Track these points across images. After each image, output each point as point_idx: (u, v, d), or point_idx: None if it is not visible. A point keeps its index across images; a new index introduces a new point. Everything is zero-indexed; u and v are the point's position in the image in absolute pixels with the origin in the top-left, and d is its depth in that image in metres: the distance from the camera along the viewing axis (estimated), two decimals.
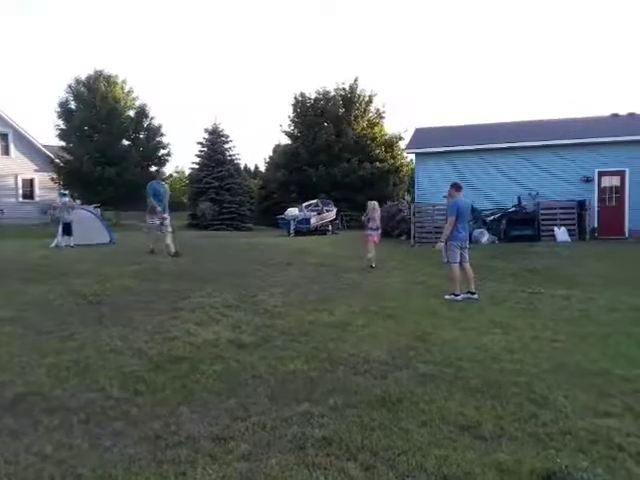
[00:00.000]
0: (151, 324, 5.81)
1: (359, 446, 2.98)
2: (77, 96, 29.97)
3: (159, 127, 32.50)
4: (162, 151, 32.77)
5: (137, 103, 32.16)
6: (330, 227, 24.64)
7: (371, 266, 10.43)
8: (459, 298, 7.50)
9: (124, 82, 31.71)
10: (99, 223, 15.32)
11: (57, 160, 29.24)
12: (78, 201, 23.16)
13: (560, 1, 74.81)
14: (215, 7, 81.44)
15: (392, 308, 6.78)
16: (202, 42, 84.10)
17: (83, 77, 30.58)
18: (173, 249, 11.14)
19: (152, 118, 32.44)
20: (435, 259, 9.53)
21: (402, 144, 32.37)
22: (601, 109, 22.37)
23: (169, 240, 11.31)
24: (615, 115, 20.49)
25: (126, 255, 11.54)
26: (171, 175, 49.72)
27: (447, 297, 7.56)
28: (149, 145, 31.94)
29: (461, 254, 7.76)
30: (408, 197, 29.06)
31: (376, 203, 11.23)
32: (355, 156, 31.17)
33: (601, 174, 17.38)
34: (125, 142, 31.35)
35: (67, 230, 13.75)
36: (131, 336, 5.33)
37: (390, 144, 33.94)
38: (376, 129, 33.87)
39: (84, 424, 3.35)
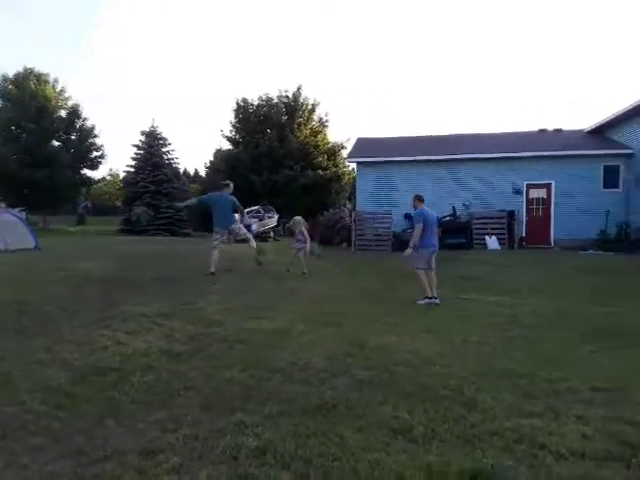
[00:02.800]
0: (78, 334, 5.52)
1: (293, 455, 2.95)
2: (4, 94, 28.29)
3: (92, 128, 31.32)
4: (95, 153, 31.55)
5: (69, 103, 30.82)
6: (272, 234, 24.52)
7: (287, 270, 10.83)
8: (426, 302, 7.77)
9: (56, 81, 30.35)
10: (24, 227, 14.47)
11: None
12: (2, 204, 21.80)
13: (493, 16, 78.83)
14: (157, 8, 79.49)
15: (332, 315, 6.81)
16: (141, 42, 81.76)
17: (11, 74, 28.96)
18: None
19: (85, 119, 31.26)
20: (377, 266, 9.69)
21: (344, 153, 32.86)
22: (529, 125, 24.06)
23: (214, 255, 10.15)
24: (543, 131, 21.85)
25: (52, 261, 10.94)
26: (104, 178, 47.95)
27: (420, 302, 7.82)
28: (81, 146, 30.63)
29: (428, 261, 8.07)
30: (349, 205, 29.48)
31: (301, 218, 11.32)
32: (298, 163, 31.29)
33: (529, 186, 18.42)
34: (55, 143, 29.91)
35: None
36: (56, 347, 5.04)
37: (332, 152, 34.37)
38: (319, 137, 34.22)
39: (1, 440, 3.14)
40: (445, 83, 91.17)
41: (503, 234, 17.34)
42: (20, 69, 29.41)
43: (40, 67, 32.57)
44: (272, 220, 25.61)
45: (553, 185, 18.17)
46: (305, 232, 11.15)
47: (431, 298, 7.85)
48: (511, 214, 17.73)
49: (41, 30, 77.84)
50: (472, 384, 4.14)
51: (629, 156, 17.54)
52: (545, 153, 18.39)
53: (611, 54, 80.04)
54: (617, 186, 17.78)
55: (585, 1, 75.20)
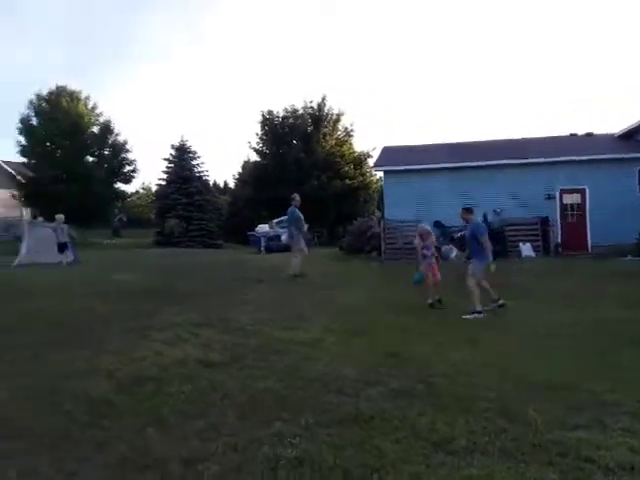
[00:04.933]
0: (117, 345, 5.65)
1: (331, 465, 2.94)
2: (39, 112, 29.36)
3: (124, 143, 32.15)
4: (128, 167, 32.36)
5: (101, 119, 31.74)
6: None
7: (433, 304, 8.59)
8: (475, 316, 7.45)
9: (87, 98, 31.30)
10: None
11: (19, 177, 28.47)
12: (41, 218, 22.54)
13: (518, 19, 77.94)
14: (184, 23, 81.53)
15: (364, 324, 6.78)
16: (169, 56, 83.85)
17: (45, 92, 30.04)
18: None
19: (117, 134, 32.07)
20: (406, 276, 9.60)
21: (370, 162, 32.87)
22: (558, 129, 23.61)
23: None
24: (573, 135, 21.38)
25: (90, 274, 11.24)
26: (137, 192, 49.13)
27: (467, 316, 7.43)
28: (114, 161, 31.46)
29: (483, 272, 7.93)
30: (378, 213, 29.41)
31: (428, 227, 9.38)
32: (324, 173, 31.41)
33: (563, 192, 17.99)
34: (89, 158, 30.81)
35: (61, 248, 14.17)
36: (97, 358, 5.17)
37: (359, 162, 34.40)
38: (345, 147, 34.31)
39: (49, 449, 3.22)
40: (467, 87, 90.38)
41: (538, 241, 16.97)
42: (53, 87, 30.51)
43: (72, 85, 33.45)
44: None
45: (587, 190, 17.71)
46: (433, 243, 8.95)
47: (480, 312, 7.53)
48: (545, 220, 17.34)
49: (72, 49, 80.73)
50: (513, 396, 4.05)
51: None
52: (578, 158, 17.94)
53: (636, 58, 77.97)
54: None
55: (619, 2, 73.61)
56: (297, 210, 11.87)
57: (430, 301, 8.16)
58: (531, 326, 6.86)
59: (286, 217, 11.75)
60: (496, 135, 33.50)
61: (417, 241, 8.62)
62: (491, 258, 7.90)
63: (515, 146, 20.47)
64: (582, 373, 4.67)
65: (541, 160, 18.19)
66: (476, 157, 19.08)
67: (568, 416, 3.64)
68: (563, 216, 17.97)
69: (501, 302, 7.92)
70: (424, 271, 8.32)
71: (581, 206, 17.83)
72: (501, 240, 16.98)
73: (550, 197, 17.96)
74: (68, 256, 14.13)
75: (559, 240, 17.53)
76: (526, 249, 16.63)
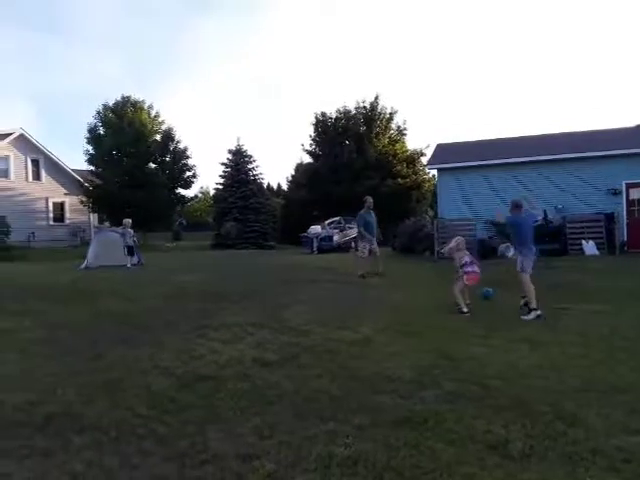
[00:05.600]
0: (177, 343, 5.90)
1: (385, 466, 2.96)
2: (105, 122, 30.92)
3: (185, 150, 33.24)
4: (188, 173, 33.45)
5: (163, 127, 33.00)
6: (353, 244, 24.62)
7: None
8: (534, 316, 7.25)
9: (150, 107, 32.62)
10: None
11: (87, 184, 30.11)
12: (107, 223, 23.75)
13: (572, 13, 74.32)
14: (234, 31, 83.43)
15: (415, 325, 6.73)
16: (225, 62, 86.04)
17: (111, 103, 31.61)
18: (380, 269, 12.07)
19: (178, 142, 33.22)
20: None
21: (424, 160, 32.35)
22: (624, 120, 22.19)
23: (378, 262, 12.26)
24: (639, 126, 20.12)
25: (153, 276, 11.75)
26: (196, 196, 50.72)
27: (526, 317, 7.25)
28: (175, 168, 32.64)
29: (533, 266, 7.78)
30: (431, 212, 28.91)
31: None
32: (377, 173, 31.23)
33: (629, 186, 17.00)
34: (152, 165, 32.12)
35: (129, 252, 14.92)
36: (158, 355, 5.41)
37: (412, 160, 33.93)
38: (397, 146, 33.94)
39: (114, 443, 3.41)
40: (526, 79, 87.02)
41: (601, 238, 16.13)
42: (118, 98, 32.05)
43: (136, 94, 34.98)
44: (353, 231, 25.72)
45: None
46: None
47: (537, 310, 7.28)
48: (610, 217, 16.44)
49: (133, 58, 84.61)
50: (572, 399, 3.92)
51: None
52: None
53: None
54: None
55: None
56: (365, 214, 12.54)
57: (465, 310, 7.71)
58: (593, 327, 6.57)
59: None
60: (555, 129, 32.06)
61: (456, 253, 8.26)
62: (535, 250, 7.75)
63: (577, 139, 19.52)
64: None
65: (605, 153, 17.23)
66: (534, 152, 18.35)
67: (631, 420, 3.48)
68: (629, 212, 16.99)
69: (540, 313, 7.33)
70: (465, 280, 7.96)
71: None
72: (561, 237, 16.30)
73: (616, 192, 17.00)
74: (133, 259, 14.85)
75: (625, 238, 16.58)
76: (589, 247, 15.84)
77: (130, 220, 15.95)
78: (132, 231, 15.58)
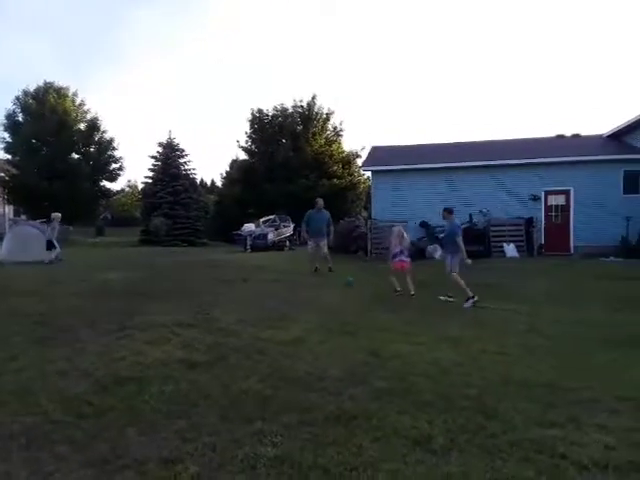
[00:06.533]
0: (98, 344, 5.59)
1: (311, 464, 2.95)
2: (25, 109, 28.98)
3: (111, 140, 31.87)
4: (114, 165, 32.09)
5: (88, 116, 31.42)
6: (287, 243, 24.62)
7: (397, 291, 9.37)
8: (471, 303, 8.26)
9: (75, 94, 30.97)
10: (44, 239, 14.73)
11: (2, 174, 28.07)
12: (24, 216, 22.27)
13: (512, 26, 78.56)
14: (174, 21, 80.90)
15: (347, 324, 6.79)
16: (157, 53, 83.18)
17: (32, 89, 29.65)
18: (329, 265, 12.74)
19: (104, 132, 31.79)
20: (386, 274, 9.69)
21: (359, 161, 32.94)
22: (547, 130, 23.78)
23: (327, 259, 12.82)
24: (560, 136, 21.62)
25: (73, 272, 11.12)
26: (123, 190, 48.70)
27: (466, 305, 8.25)
28: (100, 159, 31.17)
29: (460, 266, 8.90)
30: (365, 213, 29.47)
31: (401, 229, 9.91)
32: (313, 172, 31.43)
33: (547, 193, 18.20)
34: (75, 156, 30.48)
35: (48, 246, 14.23)
36: (77, 357, 5.10)
37: (347, 161, 34.49)
38: (334, 146, 34.37)
39: (24, 450, 3.18)
40: (455, 88, 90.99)
41: (522, 241, 17.16)
42: (40, 83, 30.11)
43: (60, 80, 33.08)
44: (288, 229, 25.73)
45: (572, 191, 17.93)
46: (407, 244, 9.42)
47: (473, 297, 8.30)
48: (529, 221, 17.54)
49: (62, 44, 79.83)
50: (492, 394, 4.10)
51: None
52: (563, 159, 18.15)
53: (626, 60, 79.11)
54: (638, 191, 17.47)
55: (607, 5, 74.52)
56: (314, 212, 12.87)
57: (399, 289, 9.11)
58: (512, 325, 6.94)
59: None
60: (483, 136, 33.82)
61: (394, 242, 9.45)
62: (465, 255, 8.72)
63: (502, 147, 20.68)
64: (562, 372, 4.74)
65: (527, 161, 18.38)
66: (463, 158, 19.23)
67: (546, 413, 3.69)
68: (547, 217, 18.17)
69: (476, 299, 8.38)
70: (392, 267, 9.35)
71: (565, 207, 18.05)
72: (486, 240, 17.16)
73: (535, 198, 18.14)
74: (52, 254, 14.02)
75: (542, 241, 17.73)
76: (510, 249, 16.80)
77: (59, 214, 15.08)
78: (59, 225, 14.79)
